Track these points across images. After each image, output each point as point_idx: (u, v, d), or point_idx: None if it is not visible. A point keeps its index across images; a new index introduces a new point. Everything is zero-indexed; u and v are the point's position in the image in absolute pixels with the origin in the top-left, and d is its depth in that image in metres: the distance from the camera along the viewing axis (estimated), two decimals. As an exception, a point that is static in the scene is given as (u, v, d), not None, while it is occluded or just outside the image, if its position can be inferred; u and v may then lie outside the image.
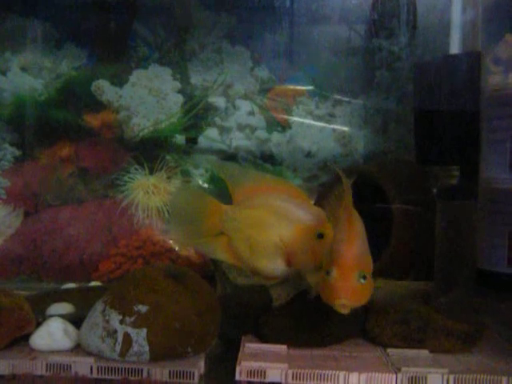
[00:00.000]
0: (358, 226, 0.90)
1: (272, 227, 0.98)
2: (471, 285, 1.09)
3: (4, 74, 1.57)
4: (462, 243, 1.12)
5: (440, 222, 1.15)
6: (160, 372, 0.85)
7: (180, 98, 1.58)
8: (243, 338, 0.98)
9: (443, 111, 1.28)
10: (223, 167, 1.09)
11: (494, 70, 1.04)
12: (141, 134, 1.54)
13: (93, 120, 1.54)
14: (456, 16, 1.35)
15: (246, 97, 1.62)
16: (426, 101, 1.35)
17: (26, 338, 0.93)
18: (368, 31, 1.57)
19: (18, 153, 1.54)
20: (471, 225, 1.09)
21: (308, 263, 0.96)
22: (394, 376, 0.86)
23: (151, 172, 1.51)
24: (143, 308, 0.89)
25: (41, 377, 0.87)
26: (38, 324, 0.95)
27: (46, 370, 0.87)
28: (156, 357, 0.87)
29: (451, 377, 0.86)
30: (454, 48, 1.35)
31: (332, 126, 1.59)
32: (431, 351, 0.94)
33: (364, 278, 0.84)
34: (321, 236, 0.95)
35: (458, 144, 1.23)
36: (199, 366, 0.88)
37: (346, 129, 1.59)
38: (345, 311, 0.84)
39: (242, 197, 1.02)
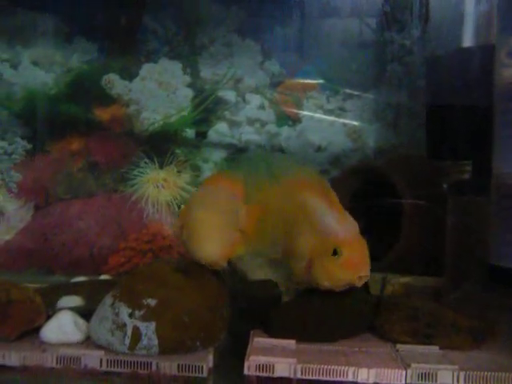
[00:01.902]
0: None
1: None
2: (482, 281, 1.08)
3: (15, 68, 1.58)
4: (473, 239, 1.11)
5: (451, 218, 1.14)
6: (169, 365, 0.86)
7: (190, 92, 1.57)
8: (252, 332, 0.98)
9: (455, 105, 1.26)
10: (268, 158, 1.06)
11: (509, 63, 1.02)
12: (151, 128, 1.54)
13: (103, 114, 1.54)
14: (470, 8, 1.33)
15: (256, 91, 1.61)
16: (438, 95, 1.33)
17: (36, 330, 0.94)
18: (380, 24, 1.56)
19: (28, 146, 1.55)
20: (482, 220, 1.08)
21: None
22: (404, 372, 0.85)
23: (161, 166, 1.51)
24: (152, 302, 0.90)
25: (51, 369, 0.87)
26: (49, 317, 0.96)
27: (57, 363, 0.87)
28: (165, 350, 0.88)
29: (461, 373, 0.85)
30: (468, 41, 1.33)
31: (342, 121, 1.58)
32: (441, 347, 0.94)
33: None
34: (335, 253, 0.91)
35: (470, 139, 1.22)
36: (208, 360, 0.88)
37: (356, 123, 1.58)
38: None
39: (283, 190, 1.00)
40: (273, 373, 0.85)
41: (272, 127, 1.59)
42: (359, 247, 0.91)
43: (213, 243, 0.92)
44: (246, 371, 0.86)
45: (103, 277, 1.30)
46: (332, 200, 0.95)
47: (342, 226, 0.92)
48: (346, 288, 0.92)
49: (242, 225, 0.97)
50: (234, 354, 0.95)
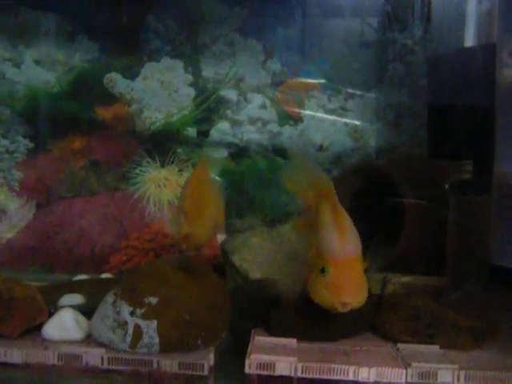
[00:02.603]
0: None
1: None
2: (483, 280, 1.08)
3: (18, 66, 1.58)
4: (474, 238, 1.11)
5: (452, 217, 1.14)
6: (170, 363, 0.86)
7: (192, 91, 1.58)
8: (253, 331, 0.98)
9: (457, 105, 1.26)
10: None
11: (510, 63, 1.02)
12: (152, 127, 1.54)
13: (105, 112, 1.54)
14: (471, 8, 1.33)
15: (257, 90, 1.62)
16: (440, 95, 1.33)
17: (38, 328, 0.94)
18: (381, 24, 1.56)
19: (30, 145, 1.55)
20: (484, 220, 1.08)
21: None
22: (404, 371, 0.85)
23: (163, 165, 1.51)
24: (153, 300, 0.90)
25: (53, 366, 0.88)
26: (50, 314, 0.96)
27: (58, 360, 0.88)
28: (166, 348, 0.88)
29: (462, 373, 0.85)
30: (469, 41, 1.33)
31: (344, 120, 1.58)
32: (442, 347, 0.94)
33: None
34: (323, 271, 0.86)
35: (472, 138, 1.22)
36: (209, 358, 0.88)
37: (358, 123, 1.58)
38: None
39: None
40: (273, 371, 0.86)
41: (274, 126, 1.59)
42: (350, 270, 0.84)
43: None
44: (246, 369, 0.86)
45: (105, 275, 1.30)
46: (340, 213, 0.89)
47: (336, 244, 0.85)
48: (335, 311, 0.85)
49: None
50: (235, 352, 0.95)
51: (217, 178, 1.09)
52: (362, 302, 0.85)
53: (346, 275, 0.83)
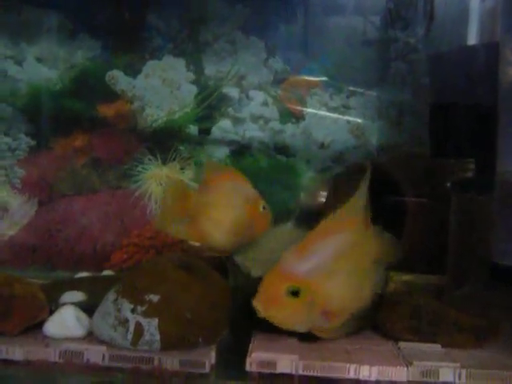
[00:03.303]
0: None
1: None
2: (485, 279, 1.08)
3: (19, 64, 1.58)
4: (477, 237, 1.11)
5: (454, 216, 1.14)
6: (171, 361, 0.86)
7: (193, 89, 1.57)
8: (254, 329, 0.98)
9: (459, 103, 1.26)
10: None
11: (513, 61, 1.02)
12: (154, 125, 1.54)
13: (107, 110, 1.54)
14: (474, 6, 1.33)
15: (259, 88, 1.61)
16: (442, 93, 1.33)
17: (39, 325, 0.94)
18: (384, 22, 1.56)
19: (32, 142, 1.55)
20: (486, 218, 1.08)
21: None
22: (406, 369, 0.85)
23: (164, 162, 1.51)
24: (155, 298, 0.90)
25: (54, 363, 0.88)
26: (52, 312, 0.96)
27: (59, 357, 0.88)
28: (167, 346, 0.88)
29: (463, 371, 0.85)
30: (472, 39, 1.33)
31: (346, 118, 1.58)
32: (443, 346, 0.93)
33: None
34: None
35: (474, 137, 1.22)
36: (210, 356, 0.88)
37: (360, 121, 1.57)
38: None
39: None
40: (275, 369, 0.86)
41: (275, 124, 1.59)
42: (276, 283, 0.85)
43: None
44: (247, 367, 0.86)
45: (106, 272, 1.30)
46: (331, 237, 0.89)
47: (287, 254, 0.87)
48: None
49: None
50: (236, 350, 0.95)
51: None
52: (279, 322, 0.86)
53: (270, 285, 0.85)
